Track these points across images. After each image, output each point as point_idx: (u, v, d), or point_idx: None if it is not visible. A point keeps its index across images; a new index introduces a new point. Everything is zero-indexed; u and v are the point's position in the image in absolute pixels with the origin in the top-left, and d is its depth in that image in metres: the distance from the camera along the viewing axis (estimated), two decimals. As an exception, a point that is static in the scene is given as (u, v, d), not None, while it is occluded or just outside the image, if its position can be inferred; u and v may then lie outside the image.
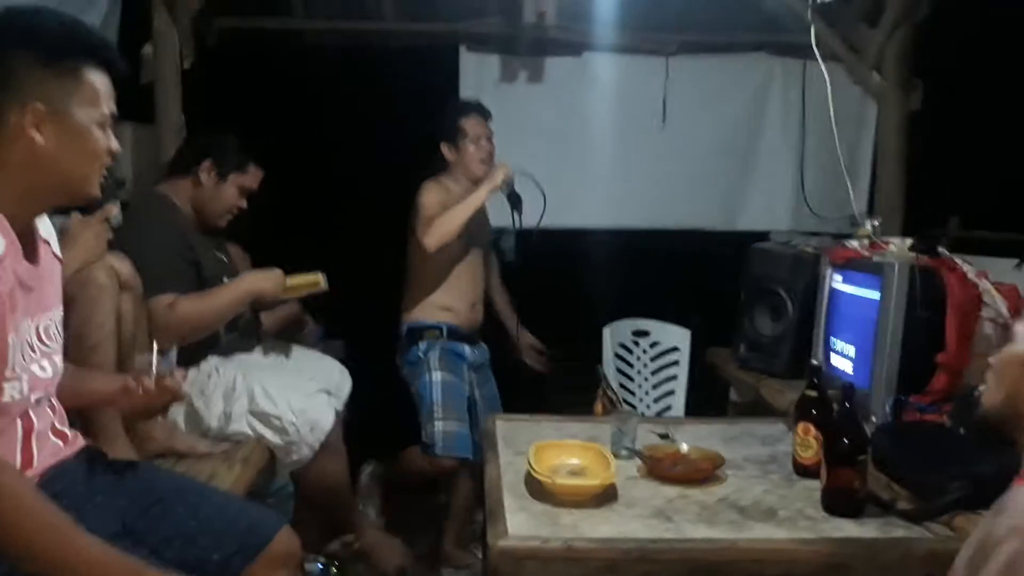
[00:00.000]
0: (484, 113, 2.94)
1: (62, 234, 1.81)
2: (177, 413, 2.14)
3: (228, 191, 2.41)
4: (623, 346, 3.44)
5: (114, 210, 1.86)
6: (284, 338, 2.67)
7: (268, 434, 2.21)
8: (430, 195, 2.81)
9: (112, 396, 1.57)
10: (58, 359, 1.38)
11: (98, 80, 1.30)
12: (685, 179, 3.90)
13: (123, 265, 1.90)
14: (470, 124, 2.88)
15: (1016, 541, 1.00)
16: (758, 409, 2.64)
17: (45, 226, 1.42)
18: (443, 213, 2.73)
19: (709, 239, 3.91)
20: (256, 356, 2.46)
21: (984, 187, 3.69)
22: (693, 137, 3.90)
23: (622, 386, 3.34)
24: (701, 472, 1.88)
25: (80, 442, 1.47)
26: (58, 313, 1.41)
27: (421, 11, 3.73)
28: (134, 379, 1.52)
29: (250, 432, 2.20)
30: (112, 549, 1.19)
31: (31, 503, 1.14)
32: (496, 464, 1.95)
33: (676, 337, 3.42)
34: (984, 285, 2.24)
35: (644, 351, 3.44)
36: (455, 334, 2.89)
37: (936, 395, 2.14)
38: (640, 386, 3.42)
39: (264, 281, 2.36)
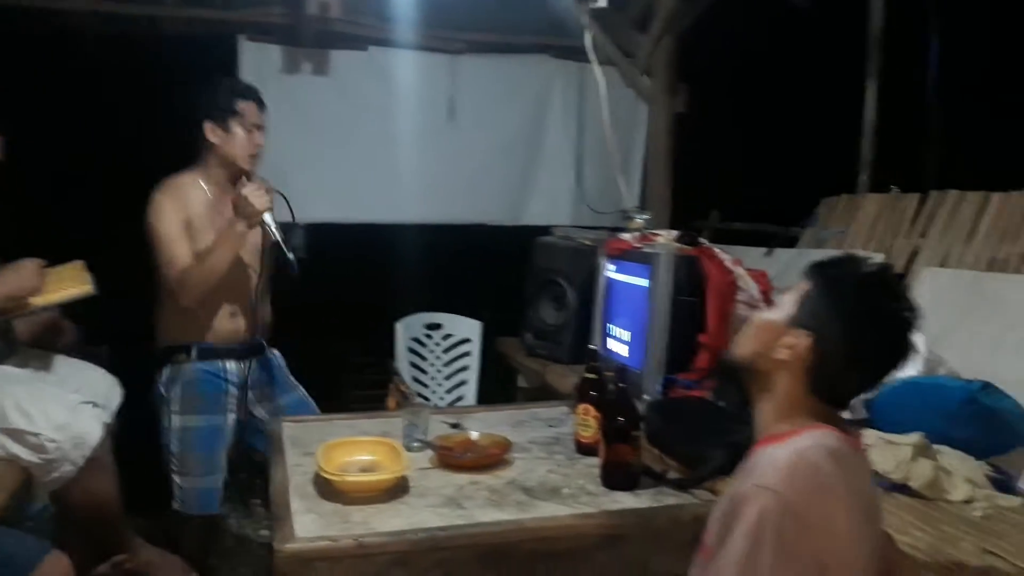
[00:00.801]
0: (262, 104, 2.54)
1: None
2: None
3: None
4: (416, 340, 3.46)
5: None
6: (41, 345, 2.42)
7: (23, 453, 1.99)
8: (164, 218, 2.38)
9: None
10: None
11: None
12: (473, 175, 3.98)
13: None
14: (247, 108, 2.47)
15: (762, 498, 1.11)
16: (544, 394, 2.75)
17: None
18: (197, 263, 2.34)
19: (497, 234, 4.02)
20: (9, 368, 2.21)
21: (740, 183, 4.08)
22: (480, 134, 3.98)
23: (416, 379, 3.36)
24: (490, 457, 1.94)
25: None
26: None
27: (198, -3, 3.54)
28: None
29: (2, 452, 1.97)
30: None
31: None
32: (283, 467, 1.89)
33: (468, 329, 3.49)
34: (739, 271, 2.47)
35: (437, 344, 3.49)
36: (209, 353, 2.51)
37: (700, 372, 2.34)
38: (433, 378, 3.45)
39: (23, 280, 2.12)
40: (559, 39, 3.96)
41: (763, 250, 3.20)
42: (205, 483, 2.51)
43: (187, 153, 2.58)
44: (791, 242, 3.42)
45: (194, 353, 2.48)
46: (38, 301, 2.20)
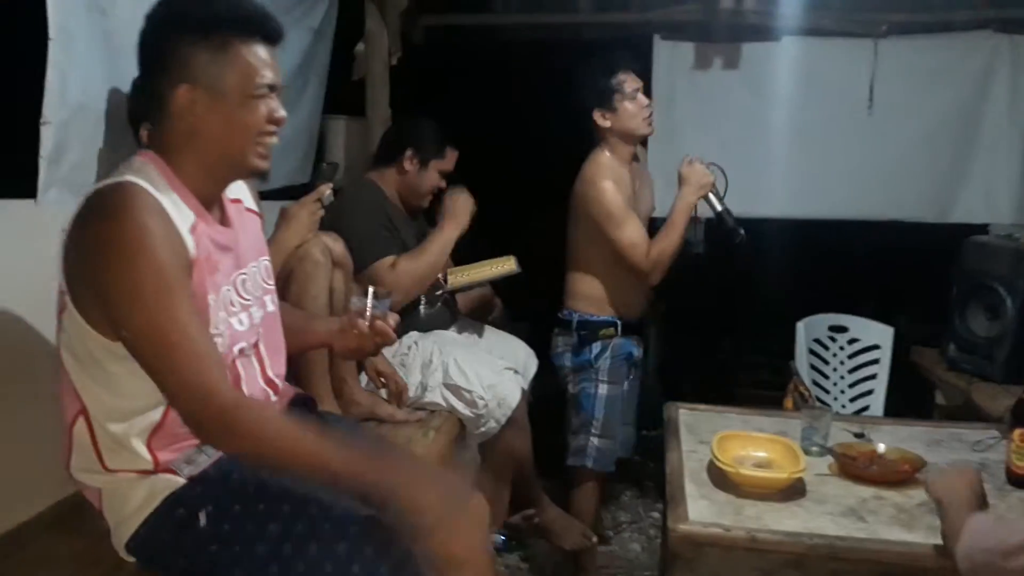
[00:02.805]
0: (635, 68, 2.62)
1: (281, 215, 2.02)
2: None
3: (430, 176, 2.56)
4: (818, 342, 3.28)
5: (326, 190, 2.03)
6: (475, 318, 2.80)
7: (460, 406, 2.34)
8: (611, 194, 2.51)
9: (328, 336, 1.64)
10: (257, 310, 1.45)
11: (250, 51, 1.30)
12: (893, 168, 3.65)
13: (336, 244, 2.08)
14: (627, 79, 2.56)
15: None
16: (967, 414, 2.46)
17: (234, 186, 1.49)
18: (658, 239, 2.50)
19: (917, 231, 3.65)
20: (451, 333, 2.60)
21: None
22: (903, 123, 3.64)
23: (815, 383, 3.20)
24: (900, 474, 1.79)
25: (291, 391, 1.59)
26: (258, 266, 1.48)
27: (615, 1, 3.75)
28: (349, 320, 1.59)
29: (443, 403, 2.33)
30: (361, 447, 1.28)
31: (278, 427, 1.24)
32: (679, 452, 1.94)
33: (877, 334, 3.21)
34: None
35: (841, 348, 3.27)
36: (628, 329, 2.69)
37: None
38: (835, 384, 3.25)
39: (458, 229, 2.46)
40: (1007, 11, 3.47)
41: None
42: (615, 446, 2.69)
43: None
44: None
45: (619, 329, 2.66)
46: (472, 276, 2.56)
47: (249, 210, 1.54)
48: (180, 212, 1.28)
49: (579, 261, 2.71)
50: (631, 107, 2.56)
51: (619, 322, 2.67)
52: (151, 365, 1.22)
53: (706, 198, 2.52)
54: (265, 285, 1.50)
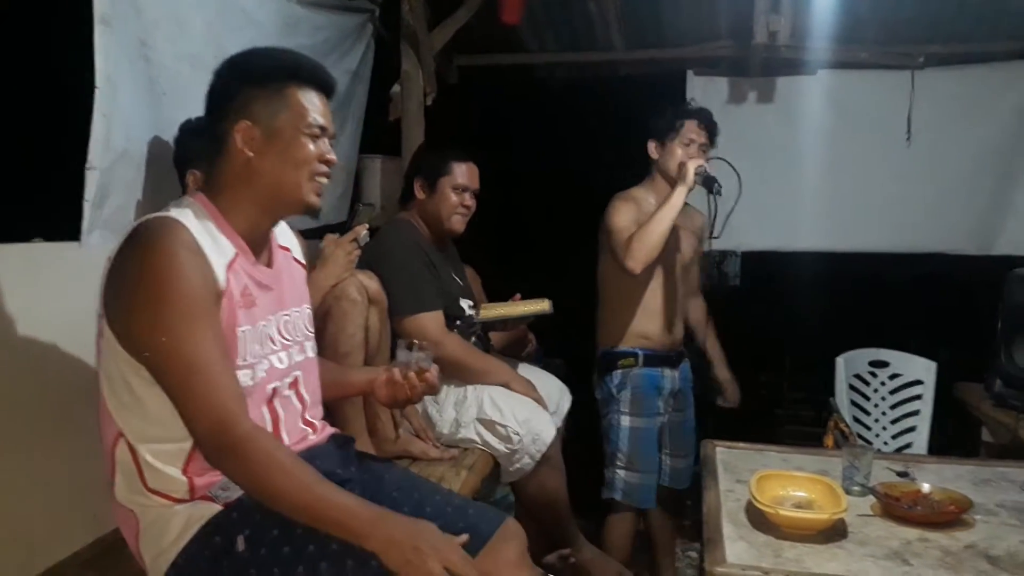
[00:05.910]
0: (708, 123, 2.66)
1: (318, 255, 2.04)
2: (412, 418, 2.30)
3: (444, 196, 2.46)
4: (859, 377, 3.22)
5: (362, 231, 2.06)
6: (509, 354, 2.79)
7: (494, 441, 2.32)
8: (620, 215, 2.60)
9: (369, 386, 1.72)
10: (297, 353, 1.52)
11: (304, 96, 1.42)
12: (933, 200, 3.62)
13: (372, 282, 2.09)
14: (687, 126, 2.62)
15: None
16: (1016, 451, 2.38)
17: (285, 235, 1.59)
18: (639, 229, 2.52)
19: (959, 264, 3.59)
20: (484, 369, 2.59)
21: None
22: (943, 155, 3.62)
23: (856, 420, 3.13)
24: (945, 515, 1.73)
25: (329, 430, 1.62)
26: (301, 312, 1.56)
27: (648, 39, 3.78)
28: (400, 372, 1.66)
29: (477, 439, 2.32)
30: (356, 498, 1.30)
31: (282, 461, 1.27)
32: (716, 491, 1.91)
33: (919, 369, 3.15)
34: None
35: (882, 383, 3.20)
36: (652, 360, 2.70)
37: None
38: (877, 421, 3.18)
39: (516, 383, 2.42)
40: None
41: None
42: (646, 479, 2.71)
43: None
44: None
45: (640, 359, 2.69)
46: (503, 312, 2.56)
47: (296, 260, 1.61)
48: (219, 247, 1.35)
49: (602, 292, 2.78)
50: (678, 150, 2.62)
51: (640, 352, 2.70)
52: (171, 389, 1.28)
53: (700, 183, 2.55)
54: (307, 331, 1.57)
